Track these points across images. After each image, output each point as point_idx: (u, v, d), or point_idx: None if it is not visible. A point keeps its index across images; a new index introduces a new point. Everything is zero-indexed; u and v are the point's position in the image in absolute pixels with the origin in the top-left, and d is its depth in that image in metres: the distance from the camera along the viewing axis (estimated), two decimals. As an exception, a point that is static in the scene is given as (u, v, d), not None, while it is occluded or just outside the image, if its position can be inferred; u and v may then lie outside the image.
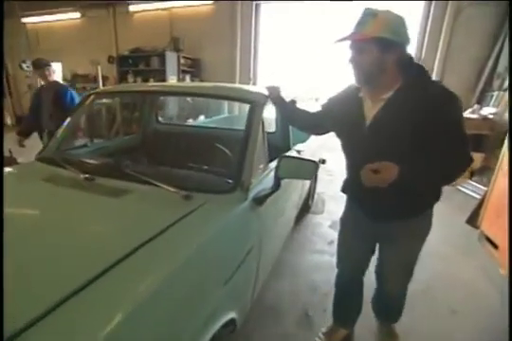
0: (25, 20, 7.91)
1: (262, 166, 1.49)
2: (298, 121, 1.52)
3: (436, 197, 1.17)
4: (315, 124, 1.43)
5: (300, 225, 2.87)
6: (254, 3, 5.83)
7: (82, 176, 1.31)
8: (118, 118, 4.74)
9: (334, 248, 2.58)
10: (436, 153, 0.97)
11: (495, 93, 4.66)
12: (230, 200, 1.19)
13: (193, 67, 6.27)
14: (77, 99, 2.98)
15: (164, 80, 5.61)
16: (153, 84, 2.09)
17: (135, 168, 1.37)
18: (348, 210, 1.40)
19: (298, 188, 2.15)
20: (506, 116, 4.03)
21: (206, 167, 1.53)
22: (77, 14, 7.42)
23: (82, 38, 7.55)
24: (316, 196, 3.46)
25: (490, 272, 2.24)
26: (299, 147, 2.35)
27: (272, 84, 1.53)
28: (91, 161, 1.49)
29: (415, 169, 0.96)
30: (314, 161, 1.25)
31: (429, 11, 5.02)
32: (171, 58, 5.69)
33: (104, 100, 5.54)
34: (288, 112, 1.53)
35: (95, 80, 6.84)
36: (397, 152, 1.02)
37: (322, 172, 4.22)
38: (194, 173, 1.37)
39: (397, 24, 0.99)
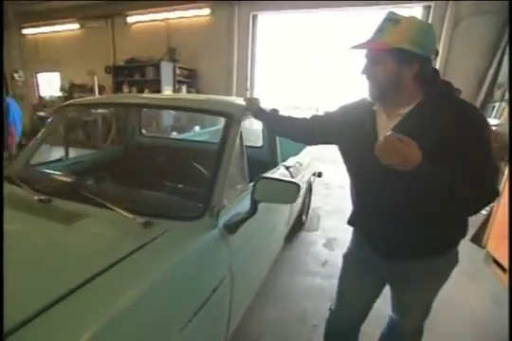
0: (25, 31, 7.99)
1: (240, 185, 1.35)
2: (284, 130, 1.36)
3: (462, 232, 0.99)
4: (305, 132, 1.26)
5: (292, 244, 2.70)
6: (251, 14, 5.81)
7: (36, 198, 1.17)
8: (98, 131, 4.67)
9: (327, 270, 2.43)
10: (457, 180, 0.80)
11: (496, 104, 4.54)
12: (196, 228, 1.04)
13: (190, 78, 6.22)
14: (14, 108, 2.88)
15: (159, 90, 5.54)
16: (126, 95, 1.97)
17: (97, 188, 1.24)
18: (354, 246, 1.20)
19: (288, 205, 2.00)
20: (509, 127, 3.90)
21: (177, 187, 1.38)
22: (76, 25, 7.47)
23: (81, 48, 7.59)
24: (311, 211, 3.30)
25: (498, 297, 2.05)
26: (290, 161, 2.21)
27: (250, 96, 1.40)
28: (52, 180, 1.36)
29: (439, 172, 0.79)
30: (295, 183, 1.10)
31: (427, 21, 4.96)
32: (166, 68, 5.64)
33: (97, 111, 5.49)
34: (272, 123, 1.37)
35: (91, 90, 6.85)
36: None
37: (319, 186, 4.06)
38: (161, 196, 1.22)
39: (422, 33, 0.86)
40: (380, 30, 0.88)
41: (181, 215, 1.07)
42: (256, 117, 1.38)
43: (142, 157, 1.91)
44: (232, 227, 1.10)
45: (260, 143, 2.14)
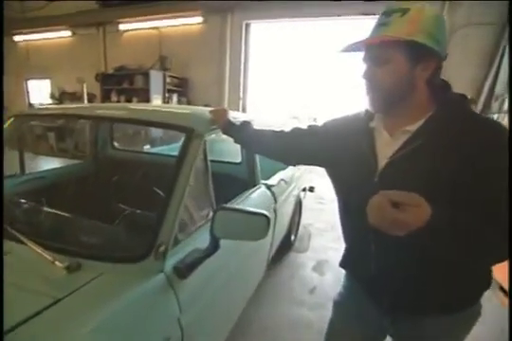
0: (16, 38, 7.91)
1: (203, 213, 1.14)
2: (258, 147, 1.16)
3: (486, 282, 0.78)
4: (283, 150, 1.04)
5: (277, 266, 2.47)
6: (244, 22, 5.72)
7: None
8: (86, 140, 4.46)
9: (315, 299, 2.18)
10: (479, 223, 0.61)
11: (495, 115, 4.43)
12: (135, 272, 0.83)
13: (181, 87, 6.07)
14: None
15: (148, 99, 5.37)
16: (78, 107, 1.77)
17: (27, 217, 1.02)
18: (347, 293, 0.98)
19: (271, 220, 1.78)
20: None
21: (127, 215, 1.16)
22: (67, 33, 7.38)
23: (72, 56, 7.50)
24: (302, 229, 3.08)
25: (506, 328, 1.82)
26: (274, 178, 2.00)
27: (217, 107, 1.21)
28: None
29: (455, 219, 0.60)
30: (264, 215, 0.89)
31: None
32: (156, 77, 5.49)
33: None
34: (243, 138, 1.14)
35: (81, 97, 6.71)
36: None
37: (311, 200, 3.85)
38: (96, 229, 1.01)
39: (437, 25, 0.68)
40: (383, 24, 0.69)
41: (118, 255, 0.86)
42: (224, 132, 1.18)
43: (107, 174, 1.70)
44: (184, 271, 0.88)
45: (238, 159, 1.94)
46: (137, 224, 1.04)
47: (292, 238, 2.70)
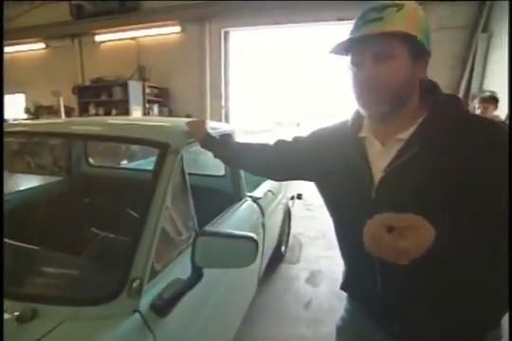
0: (-14, 52, 7.59)
1: (184, 236, 1.03)
2: (240, 162, 1.08)
3: (503, 305, 0.67)
4: (266, 165, 0.97)
5: (270, 279, 2.36)
6: (223, 30, 5.69)
7: None
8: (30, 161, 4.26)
9: (310, 314, 2.07)
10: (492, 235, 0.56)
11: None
12: (105, 315, 0.71)
13: (161, 97, 5.95)
14: None
15: (127, 111, 5.22)
16: (44, 123, 1.64)
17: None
18: (351, 317, 0.89)
19: (260, 237, 1.68)
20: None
21: (98, 245, 1.04)
22: (41, 45, 7.17)
23: (47, 69, 7.28)
24: (292, 239, 2.98)
25: None
26: (261, 189, 1.92)
27: (194, 119, 1.11)
28: None
29: (463, 240, 0.54)
30: (252, 238, 0.80)
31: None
32: (134, 87, 5.36)
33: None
34: (223, 152, 1.05)
35: (58, 111, 6.48)
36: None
37: (300, 207, 3.78)
38: (60, 264, 0.88)
39: (428, 25, 0.65)
40: (376, 19, 0.62)
41: (83, 297, 0.74)
42: (203, 146, 1.08)
43: (80, 195, 1.56)
44: (163, 308, 0.77)
45: (222, 171, 1.84)
46: (109, 253, 0.92)
47: (283, 249, 2.60)
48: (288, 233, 2.81)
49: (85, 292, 0.76)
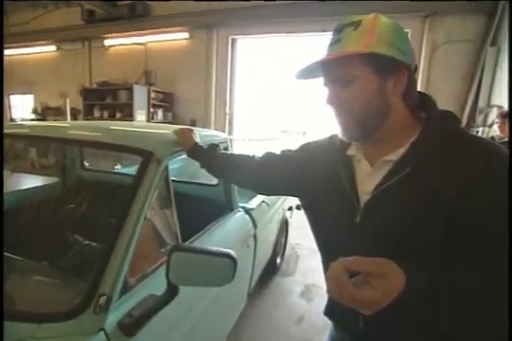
0: (-1, 53, 7.76)
1: (165, 249, 0.99)
2: (226, 175, 1.03)
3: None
4: (254, 179, 0.92)
5: (261, 293, 2.28)
6: (230, 37, 5.73)
7: None
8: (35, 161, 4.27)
9: (303, 330, 2.00)
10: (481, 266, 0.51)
11: (480, 129, 4.47)
12: (68, 334, 0.66)
13: (166, 102, 5.98)
14: None
15: (132, 114, 5.24)
16: (38, 125, 1.63)
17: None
18: None
19: (251, 251, 1.63)
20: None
21: (75, 254, 1.00)
22: (52, 47, 7.31)
23: (57, 70, 7.40)
24: (289, 250, 2.91)
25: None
26: (256, 200, 1.87)
27: (182, 127, 1.08)
28: None
29: (443, 283, 0.49)
30: (229, 255, 0.75)
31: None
32: (139, 91, 5.39)
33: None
34: (210, 164, 1.01)
35: (65, 113, 6.55)
36: (410, 254, 0.54)
37: (299, 216, 3.70)
38: (25, 275, 0.84)
39: (396, 33, 0.59)
40: (336, 42, 0.59)
41: (44, 312, 0.69)
42: (189, 155, 1.04)
43: (69, 200, 1.53)
44: (131, 326, 0.73)
45: (215, 180, 1.80)
46: (81, 264, 0.88)
47: (278, 261, 2.53)
48: (285, 245, 2.74)
49: (47, 307, 0.71)
